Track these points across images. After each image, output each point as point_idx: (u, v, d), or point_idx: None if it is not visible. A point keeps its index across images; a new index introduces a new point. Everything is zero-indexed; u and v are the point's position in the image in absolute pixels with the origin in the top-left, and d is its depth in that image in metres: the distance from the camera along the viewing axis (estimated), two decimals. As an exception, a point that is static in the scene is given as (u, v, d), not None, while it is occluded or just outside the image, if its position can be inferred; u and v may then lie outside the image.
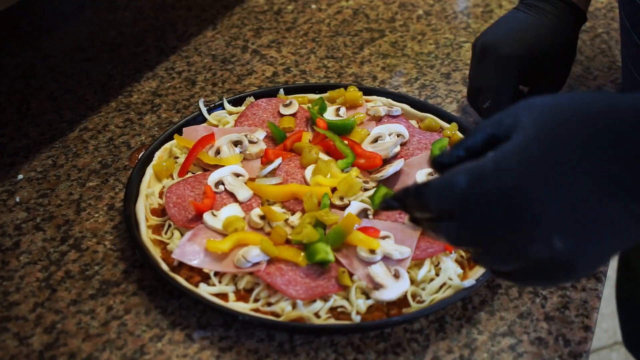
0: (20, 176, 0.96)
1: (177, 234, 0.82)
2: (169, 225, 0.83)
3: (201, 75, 1.17)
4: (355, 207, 0.83)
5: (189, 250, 0.79)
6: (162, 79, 1.16)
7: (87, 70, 1.19)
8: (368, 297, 0.75)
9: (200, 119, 1.00)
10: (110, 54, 1.23)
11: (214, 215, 0.82)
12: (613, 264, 1.28)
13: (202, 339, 0.74)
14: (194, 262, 0.78)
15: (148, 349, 0.73)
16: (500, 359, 0.72)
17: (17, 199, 0.92)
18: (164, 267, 0.77)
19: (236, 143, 0.92)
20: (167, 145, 0.94)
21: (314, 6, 1.37)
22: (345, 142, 0.92)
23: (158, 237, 0.82)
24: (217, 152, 0.92)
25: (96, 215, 0.89)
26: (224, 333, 0.75)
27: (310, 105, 1.01)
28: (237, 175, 0.88)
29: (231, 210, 0.83)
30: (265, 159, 0.91)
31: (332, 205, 0.84)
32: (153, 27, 1.31)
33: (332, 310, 0.75)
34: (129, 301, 0.78)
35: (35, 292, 0.80)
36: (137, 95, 1.12)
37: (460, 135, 0.95)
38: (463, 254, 0.81)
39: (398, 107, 1.00)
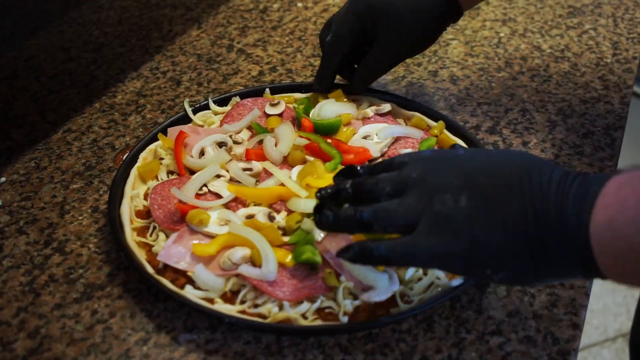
0: (3, 179, 0.94)
1: (162, 235, 0.81)
2: (154, 227, 0.82)
3: (186, 75, 1.16)
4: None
5: (175, 252, 0.78)
6: (146, 79, 1.15)
7: (70, 70, 1.18)
8: (355, 298, 0.75)
9: (185, 120, 0.99)
10: (94, 54, 1.22)
11: (199, 216, 0.81)
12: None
13: (188, 342, 0.73)
14: (180, 265, 0.77)
15: (134, 353, 0.72)
16: (489, 358, 0.72)
17: (0, 202, 0.91)
18: (149, 269, 0.77)
19: (221, 144, 0.91)
20: (152, 146, 0.93)
21: (300, 4, 1.36)
22: (329, 141, 0.91)
23: (143, 240, 0.81)
24: (202, 153, 0.91)
25: (80, 217, 0.88)
26: (210, 336, 0.74)
27: (296, 104, 1.00)
28: (218, 176, 0.87)
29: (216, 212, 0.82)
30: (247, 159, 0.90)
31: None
32: (137, 26, 1.30)
33: (320, 311, 0.74)
34: (114, 304, 0.77)
35: (18, 296, 0.78)
36: (121, 96, 1.11)
37: (447, 133, 0.95)
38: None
39: (385, 106, 1.00)
